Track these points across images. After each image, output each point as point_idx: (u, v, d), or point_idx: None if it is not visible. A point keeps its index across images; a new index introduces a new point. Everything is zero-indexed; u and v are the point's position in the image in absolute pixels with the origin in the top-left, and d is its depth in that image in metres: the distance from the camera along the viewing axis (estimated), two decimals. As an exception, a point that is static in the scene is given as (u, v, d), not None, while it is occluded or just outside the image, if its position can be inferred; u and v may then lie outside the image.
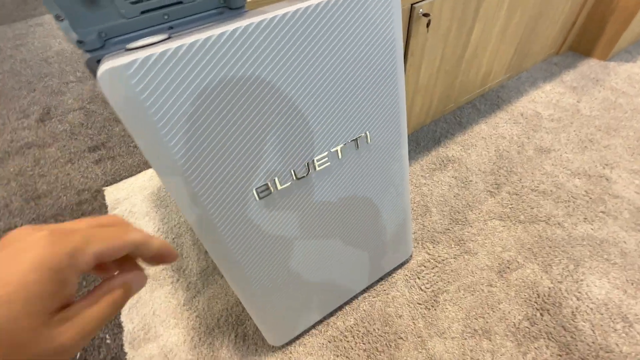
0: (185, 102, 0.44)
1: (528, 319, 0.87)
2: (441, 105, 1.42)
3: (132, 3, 0.51)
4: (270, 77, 0.49)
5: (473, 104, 1.53)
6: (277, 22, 0.47)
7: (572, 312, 0.87)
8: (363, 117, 0.63)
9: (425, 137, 1.39)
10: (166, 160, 0.47)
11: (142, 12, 0.53)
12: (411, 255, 1.02)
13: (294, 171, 0.59)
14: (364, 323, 0.90)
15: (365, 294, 0.95)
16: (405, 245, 0.95)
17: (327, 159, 0.62)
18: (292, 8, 0.48)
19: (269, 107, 0.51)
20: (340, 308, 0.93)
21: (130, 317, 0.96)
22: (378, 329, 0.88)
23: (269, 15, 0.46)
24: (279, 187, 0.59)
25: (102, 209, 1.28)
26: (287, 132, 0.55)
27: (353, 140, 0.64)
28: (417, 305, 0.92)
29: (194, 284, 1.01)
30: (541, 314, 0.87)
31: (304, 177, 0.61)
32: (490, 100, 1.55)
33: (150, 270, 1.06)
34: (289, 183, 0.60)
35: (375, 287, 0.96)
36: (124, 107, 0.41)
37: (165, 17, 0.55)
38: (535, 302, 0.90)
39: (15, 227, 1.24)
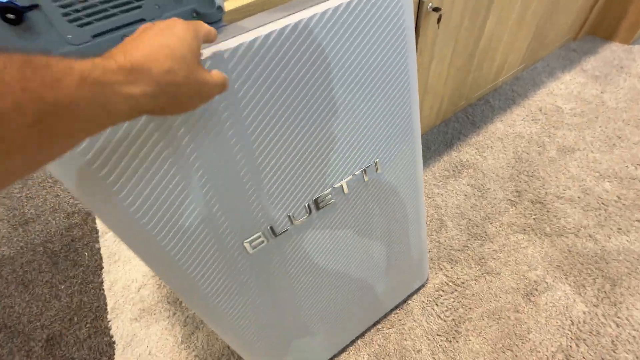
0: (151, 167, 0.35)
1: (562, 351, 0.78)
2: (452, 103, 1.30)
3: (80, 26, 0.41)
4: (255, 111, 0.39)
5: (486, 100, 1.42)
6: (259, 44, 0.37)
7: (612, 341, 0.78)
8: (372, 144, 0.53)
9: (436, 140, 1.28)
10: (140, 236, 0.38)
11: (95, 36, 0.43)
12: (427, 278, 0.93)
13: (291, 215, 0.50)
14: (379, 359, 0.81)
15: (379, 325, 0.86)
16: (420, 270, 0.86)
17: (330, 196, 0.53)
18: (277, 25, 0.37)
19: (257, 146, 0.41)
20: (352, 342, 0.85)
21: (125, 358, 0.89)
22: (395, 367, 0.80)
23: (248, 37, 0.36)
24: (275, 236, 0.49)
25: (93, 233, 1.20)
26: (280, 174, 0.45)
27: (360, 171, 0.54)
28: (437, 336, 0.83)
29: (191, 318, 0.94)
30: (577, 345, 0.78)
31: (304, 219, 0.51)
32: (504, 95, 1.42)
33: (145, 303, 0.98)
34: (287, 229, 0.50)
35: (389, 317, 0.88)
36: (72, 179, 0.32)
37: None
38: (570, 331, 0.80)
39: (3, 256, 1.17)
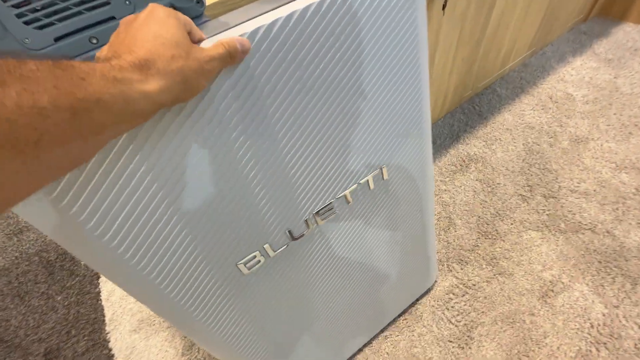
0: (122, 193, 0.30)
1: (582, 356, 0.74)
2: (457, 95, 1.24)
3: (39, 28, 0.36)
4: (247, 118, 0.34)
5: (493, 89, 1.35)
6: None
7: (635, 344, 0.74)
8: (377, 150, 0.47)
9: (442, 134, 1.22)
10: (122, 270, 0.34)
11: (57, 39, 0.37)
12: (436, 281, 0.89)
13: (289, 231, 0.45)
14: (388, 369, 0.78)
15: (387, 332, 0.83)
16: (428, 273, 0.82)
17: (333, 208, 0.48)
18: (266, 19, 0.32)
19: (248, 159, 0.37)
20: (359, 350, 0.81)
21: (125, 371, 0.86)
22: (405, 376, 0.76)
23: (230, 35, 0.31)
24: (271, 255, 0.45)
25: (89, 241, 1.17)
26: (276, 188, 0.40)
27: (366, 178, 0.49)
28: (448, 343, 0.79)
29: (192, 328, 0.90)
30: (597, 349, 0.74)
31: (303, 235, 0.47)
32: (512, 83, 1.36)
33: (144, 313, 0.95)
34: (285, 246, 0.46)
35: (397, 323, 0.84)
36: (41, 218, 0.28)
37: (94, 41, 0.39)
38: (589, 334, 0.76)
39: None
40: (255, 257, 0.43)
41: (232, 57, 0.29)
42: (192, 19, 0.44)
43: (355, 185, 0.48)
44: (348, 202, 0.49)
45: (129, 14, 0.40)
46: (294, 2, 0.33)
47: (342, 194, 0.47)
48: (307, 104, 0.37)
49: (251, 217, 0.40)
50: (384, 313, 0.79)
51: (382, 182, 0.52)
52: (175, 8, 0.42)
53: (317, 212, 0.46)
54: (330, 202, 0.47)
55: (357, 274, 0.63)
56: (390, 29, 0.39)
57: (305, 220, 0.45)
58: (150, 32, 0.25)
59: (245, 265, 0.43)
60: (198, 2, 0.41)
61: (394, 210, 0.59)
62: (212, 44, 0.29)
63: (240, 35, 0.31)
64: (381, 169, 0.50)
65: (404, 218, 0.62)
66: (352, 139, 0.43)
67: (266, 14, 0.33)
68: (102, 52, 0.27)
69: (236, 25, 0.36)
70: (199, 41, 0.31)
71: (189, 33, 0.29)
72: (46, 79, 0.18)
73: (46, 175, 0.20)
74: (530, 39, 1.33)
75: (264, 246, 0.43)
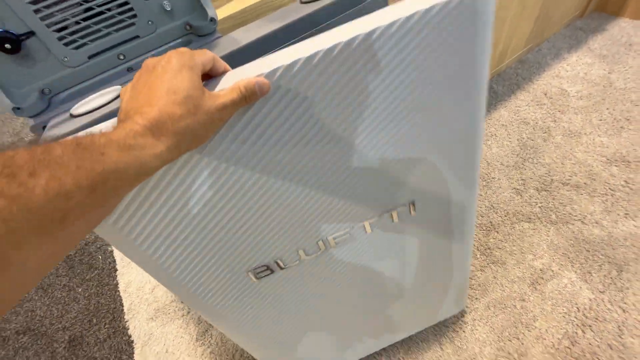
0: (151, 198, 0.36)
1: (568, 338, 0.79)
2: (454, 92, 1.28)
3: (76, 48, 0.42)
4: (257, 158, 0.35)
5: (489, 86, 1.39)
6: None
7: (619, 327, 0.78)
8: (408, 183, 0.43)
9: (439, 130, 1.27)
10: (145, 259, 0.40)
11: (91, 57, 0.43)
12: (467, 307, 0.94)
13: (302, 251, 0.47)
14: (387, 352, 0.83)
15: (386, 318, 0.88)
16: (459, 299, 0.76)
17: (349, 235, 0.48)
18: (285, 60, 0.29)
19: (266, 183, 0.38)
20: (360, 335, 0.87)
21: (144, 356, 0.93)
22: (402, 358, 0.82)
23: (251, 68, 0.30)
24: (283, 267, 0.48)
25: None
26: (290, 219, 0.42)
27: (388, 214, 0.47)
28: (443, 327, 0.85)
29: (204, 316, 0.97)
30: (583, 331, 0.79)
31: (316, 254, 0.49)
32: (508, 80, 1.39)
33: (159, 303, 1.02)
34: (296, 262, 0.49)
35: (396, 309, 0.89)
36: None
37: (121, 57, 0.45)
38: (575, 317, 0.81)
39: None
40: (265, 267, 0.46)
41: (248, 99, 0.28)
42: (205, 36, 0.49)
43: (374, 219, 0.47)
44: (366, 232, 0.48)
45: (151, 33, 0.46)
46: (316, 39, 0.30)
47: (361, 223, 0.47)
48: (330, 139, 0.35)
49: (263, 239, 0.42)
50: (395, 332, 0.77)
51: (408, 217, 0.49)
52: (190, 26, 0.48)
53: (332, 238, 0.47)
54: (347, 230, 0.47)
55: (370, 296, 0.61)
56: (436, 66, 0.33)
57: (318, 242, 0.47)
58: (164, 86, 0.25)
59: (254, 275, 0.46)
60: (211, 20, 0.46)
61: (418, 244, 0.55)
62: (232, 79, 0.29)
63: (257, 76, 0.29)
64: (409, 205, 0.47)
65: (431, 252, 0.58)
66: (378, 176, 0.41)
67: (284, 51, 0.31)
68: (125, 94, 0.28)
69: (246, 43, 0.41)
70: (224, 72, 0.31)
71: (212, 68, 0.29)
72: (70, 161, 0.19)
73: (69, 244, 0.22)
74: (527, 36, 1.37)
75: (276, 261, 0.46)
